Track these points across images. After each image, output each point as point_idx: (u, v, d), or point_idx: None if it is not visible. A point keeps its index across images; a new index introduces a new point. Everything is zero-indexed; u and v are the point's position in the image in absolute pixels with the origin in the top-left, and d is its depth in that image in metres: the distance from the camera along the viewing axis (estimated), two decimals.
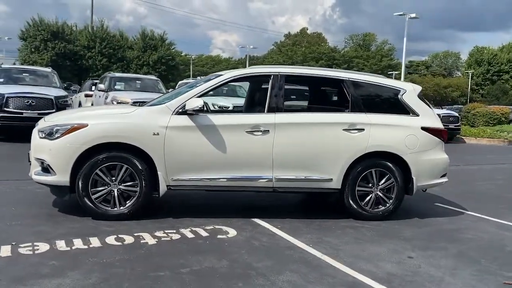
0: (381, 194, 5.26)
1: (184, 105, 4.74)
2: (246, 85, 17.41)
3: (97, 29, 43.86)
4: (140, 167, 4.66)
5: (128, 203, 4.71)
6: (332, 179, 5.07)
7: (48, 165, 4.61)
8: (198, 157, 4.76)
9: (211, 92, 5.17)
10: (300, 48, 70.29)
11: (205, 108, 4.88)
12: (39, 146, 4.69)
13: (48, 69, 13.30)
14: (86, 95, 15.65)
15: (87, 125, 4.59)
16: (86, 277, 3.25)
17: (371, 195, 5.24)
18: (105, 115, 4.92)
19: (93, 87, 15.07)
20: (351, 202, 5.18)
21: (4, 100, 10.20)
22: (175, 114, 4.75)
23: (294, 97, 5.86)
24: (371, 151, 5.14)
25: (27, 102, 10.32)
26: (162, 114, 4.75)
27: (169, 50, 45.84)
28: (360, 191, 5.21)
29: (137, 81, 13.45)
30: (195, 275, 3.41)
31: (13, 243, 3.81)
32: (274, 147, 4.89)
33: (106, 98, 11.97)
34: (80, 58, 42.31)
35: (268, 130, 4.90)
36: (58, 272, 3.30)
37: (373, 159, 5.21)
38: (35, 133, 4.78)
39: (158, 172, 4.69)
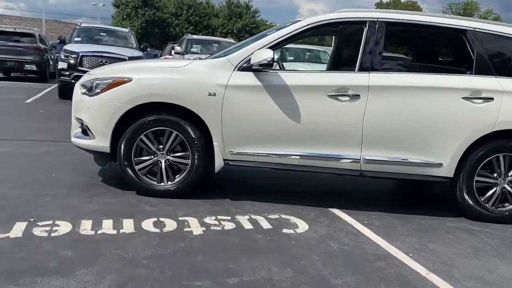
0: (510, 189, 3.86)
1: (249, 59, 3.68)
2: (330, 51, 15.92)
3: None
4: (192, 135, 3.74)
5: (177, 178, 3.83)
6: (441, 164, 3.77)
7: (87, 126, 3.85)
8: (263, 126, 3.71)
9: (286, 45, 4.05)
10: None
11: (276, 64, 3.77)
12: (79, 103, 3.94)
13: (126, 29, 12.97)
14: (166, 59, 15.26)
15: (131, 80, 3.72)
16: (98, 280, 2.40)
17: (495, 188, 3.86)
18: (153, 68, 4.01)
19: (173, 51, 14.61)
20: (465, 196, 3.85)
21: (79, 59, 9.91)
22: (238, 70, 3.72)
23: (395, 52, 4.52)
24: (501, 129, 3.74)
25: (101, 61, 9.93)
26: (221, 70, 3.74)
27: (254, 18, 45.09)
28: (479, 183, 3.85)
29: (214, 44, 12.64)
30: None
31: (31, 219, 3.10)
32: (365, 117, 3.69)
33: None
34: (167, 26, 43.08)
35: (358, 95, 3.69)
36: (65, 268, 2.50)
37: (503, 140, 3.80)
38: (77, 88, 4.04)
39: (214, 143, 3.74)
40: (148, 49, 14.33)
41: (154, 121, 3.74)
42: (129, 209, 3.48)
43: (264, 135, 3.74)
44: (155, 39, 40.76)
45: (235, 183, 4.56)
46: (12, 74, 15.15)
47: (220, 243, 2.99)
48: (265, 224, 3.39)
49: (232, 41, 13.74)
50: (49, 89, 12.03)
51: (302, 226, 3.41)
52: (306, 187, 4.61)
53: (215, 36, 43.38)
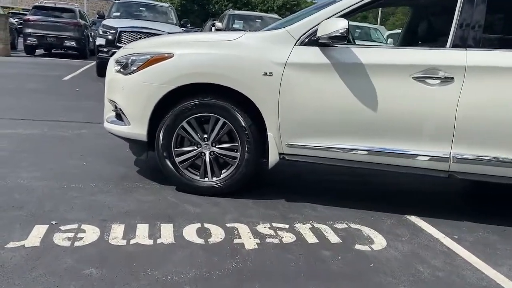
0: None
1: (316, 30, 2.99)
2: (382, 31, 14.73)
3: None
4: (242, 124, 3.12)
5: (224, 173, 3.24)
6: None
7: (121, 110, 3.31)
8: (330, 113, 3.03)
9: (359, 13, 3.31)
10: None
11: (348, 37, 3.05)
12: (113, 83, 3.39)
13: (166, 4, 12.43)
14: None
15: (172, 56, 3.12)
16: None
17: None
18: (198, 42, 3.36)
19: (213, 28, 13.97)
20: None
21: (117, 34, 9.46)
22: (300, 45, 3.04)
23: (498, 25, 3.68)
24: None
25: (139, 37, 9.44)
26: (280, 44, 3.07)
27: None
28: None
29: (257, 20, 11.90)
30: None
31: (53, 222, 2.60)
32: (460, 105, 2.94)
33: None
34: (207, 3, 42.47)
35: (452, 78, 2.94)
36: None
37: None
38: (110, 65, 3.48)
39: (268, 133, 3.11)
40: (188, 25, 13.76)
41: (198, 106, 3.14)
42: (168, 210, 2.93)
43: (329, 124, 3.06)
44: (194, 16, 40.28)
45: (289, 178, 3.93)
46: (52, 51, 15.03)
47: (280, 264, 2.38)
48: (333, 237, 2.75)
49: (276, 16, 12.93)
50: (88, 66, 11.72)
51: (379, 241, 2.74)
52: (372, 184, 3.92)
53: None
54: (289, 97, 3.03)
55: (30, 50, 13.86)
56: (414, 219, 3.15)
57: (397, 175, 3.64)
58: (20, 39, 15.46)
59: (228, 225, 2.79)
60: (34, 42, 13.56)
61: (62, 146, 4.22)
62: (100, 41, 9.56)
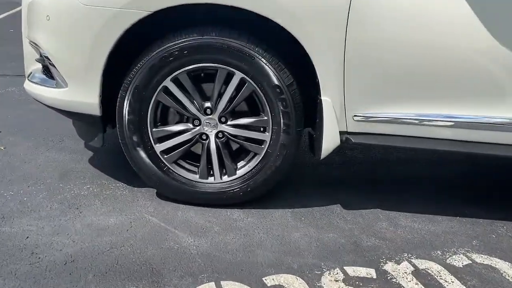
0: None
1: None
2: None
3: None
4: (275, 82, 1.71)
5: (242, 168, 1.87)
6: None
7: (48, 59, 1.82)
8: (445, 58, 1.66)
9: None
10: None
11: None
12: (34, 9, 1.87)
13: None
14: None
15: None
16: None
17: None
18: None
19: None
20: None
21: None
22: None
23: None
24: None
25: None
26: None
27: None
28: None
29: None
30: None
31: None
32: None
33: None
34: None
35: None
36: None
37: None
38: None
39: (323, 97, 1.71)
40: None
41: (193, 50, 1.69)
42: (146, 249, 1.56)
43: (427, 81, 1.70)
44: None
45: (322, 165, 2.57)
46: None
47: None
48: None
49: None
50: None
51: None
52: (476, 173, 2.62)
53: None
54: (364, 34, 1.63)
55: None
56: None
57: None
58: None
59: (268, 281, 1.46)
60: None
61: None
62: None
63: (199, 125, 1.81)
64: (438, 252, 1.69)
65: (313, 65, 1.68)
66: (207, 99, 1.79)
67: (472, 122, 1.71)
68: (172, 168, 1.86)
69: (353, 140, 1.79)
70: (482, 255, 1.69)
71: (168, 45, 1.69)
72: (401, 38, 1.64)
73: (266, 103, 1.76)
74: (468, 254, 1.69)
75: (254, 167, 1.85)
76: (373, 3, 1.61)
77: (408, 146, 1.77)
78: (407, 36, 1.64)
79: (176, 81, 1.75)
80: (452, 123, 1.72)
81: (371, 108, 1.74)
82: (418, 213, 1.96)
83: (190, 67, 1.73)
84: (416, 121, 1.73)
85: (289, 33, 1.65)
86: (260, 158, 1.83)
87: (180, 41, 1.69)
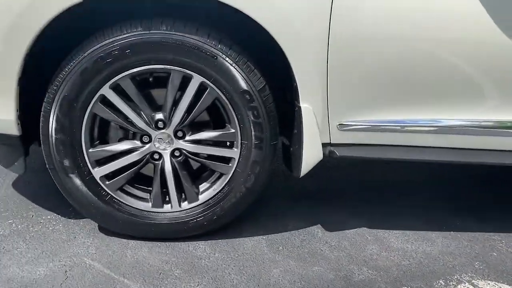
0: None
1: None
2: None
3: None
4: (243, 86, 1.38)
5: (205, 192, 1.53)
6: None
7: None
8: (429, 67, 1.40)
9: None
10: None
11: None
12: None
13: None
14: None
15: None
16: None
17: None
18: None
19: None
20: None
21: None
22: None
23: None
24: None
25: None
26: None
27: None
28: None
29: None
30: None
31: None
32: None
33: None
34: None
35: None
36: None
37: None
38: None
39: (301, 104, 1.40)
40: None
41: (138, 48, 1.32)
42: None
43: (424, 82, 1.44)
44: None
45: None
46: None
47: None
48: None
49: None
50: None
51: None
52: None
53: None
54: (351, 31, 1.33)
55: None
56: None
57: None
58: None
59: None
60: None
61: None
62: None
63: (149, 142, 1.45)
64: (441, 282, 1.45)
65: (289, 65, 1.36)
66: (158, 109, 1.43)
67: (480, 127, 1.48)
68: (116, 197, 1.48)
69: (338, 154, 1.49)
70: (489, 282, 1.46)
71: (105, 42, 1.31)
72: (386, 35, 1.35)
73: (233, 113, 1.42)
74: (473, 281, 1.46)
75: (221, 190, 1.51)
76: (356, 1, 1.31)
77: (403, 158, 1.50)
78: (393, 34, 1.36)
79: (116, 88, 1.37)
80: (463, 128, 1.47)
81: (360, 115, 1.45)
82: (408, 230, 1.72)
83: (135, 70, 1.35)
84: (414, 129, 1.46)
85: (259, 25, 1.32)
86: (228, 179, 1.50)
87: (120, 37, 1.31)
